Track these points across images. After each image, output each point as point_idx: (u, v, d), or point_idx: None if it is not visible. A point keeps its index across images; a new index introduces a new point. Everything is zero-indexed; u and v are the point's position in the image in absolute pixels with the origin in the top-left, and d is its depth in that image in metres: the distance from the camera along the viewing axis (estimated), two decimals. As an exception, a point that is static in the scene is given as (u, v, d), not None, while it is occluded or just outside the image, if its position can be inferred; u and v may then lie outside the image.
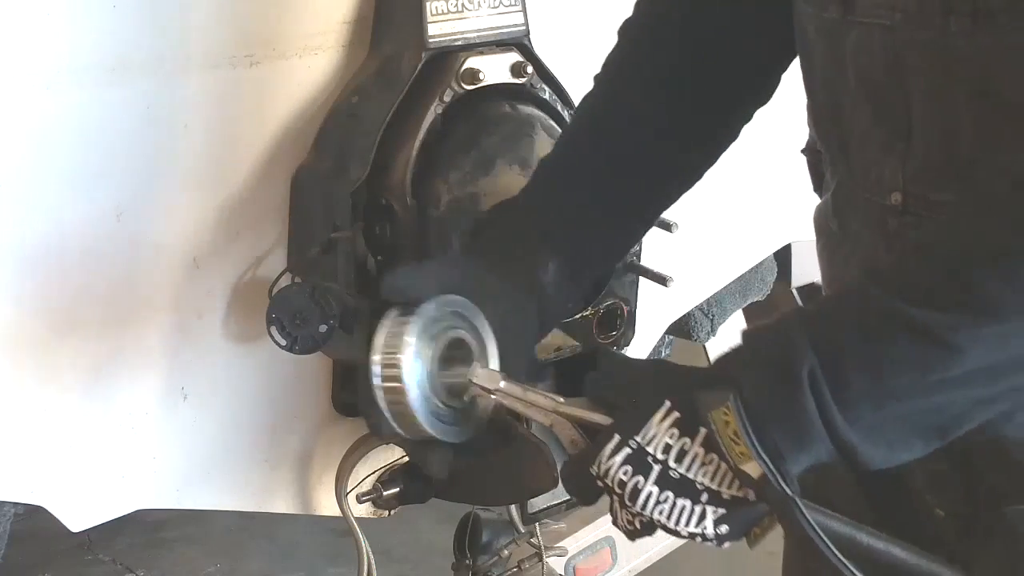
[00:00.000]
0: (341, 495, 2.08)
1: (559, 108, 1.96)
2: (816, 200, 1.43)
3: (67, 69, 1.63)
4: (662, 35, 1.40)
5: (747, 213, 2.65)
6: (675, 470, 1.05)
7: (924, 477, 1.20)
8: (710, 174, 1.46)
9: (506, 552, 2.24)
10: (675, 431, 1.05)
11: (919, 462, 1.09)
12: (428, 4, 1.84)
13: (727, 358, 1.09)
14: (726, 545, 1.08)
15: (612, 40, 1.45)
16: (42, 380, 1.72)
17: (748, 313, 3.06)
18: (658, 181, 1.41)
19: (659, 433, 1.05)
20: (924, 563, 1.07)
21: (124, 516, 1.88)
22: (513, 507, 2.18)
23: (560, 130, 1.94)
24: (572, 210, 1.36)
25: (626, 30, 1.43)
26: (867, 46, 1.17)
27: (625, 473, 1.06)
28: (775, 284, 3.07)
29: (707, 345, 2.94)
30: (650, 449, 1.06)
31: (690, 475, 1.05)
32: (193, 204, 1.82)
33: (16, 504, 1.91)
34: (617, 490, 1.07)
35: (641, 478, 1.06)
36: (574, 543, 2.53)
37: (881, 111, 1.18)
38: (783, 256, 3.05)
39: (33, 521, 2.15)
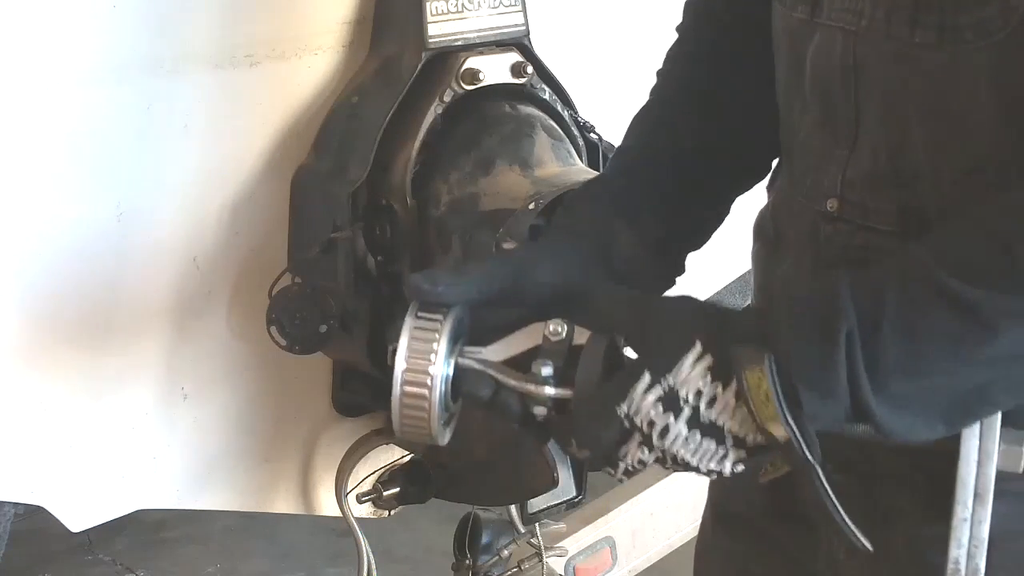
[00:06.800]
0: (341, 495, 2.07)
1: (559, 108, 1.96)
2: None
3: (67, 69, 1.63)
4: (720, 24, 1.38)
5: (747, 213, 2.64)
6: (705, 415, 1.05)
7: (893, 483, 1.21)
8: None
9: (506, 552, 2.24)
10: (708, 376, 1.05)
11: (892, 468, 1.13)
12: (428, 4, 1.84)
13: (766, 310, 1.08)
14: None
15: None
16: (42, 380, 1.72)
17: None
18: (733, 159, 1.40)
19: (691, 377, 1.05)
20: None
21: (124, 516, 1.88)
22: (513, 507, 2.18)
23: (560, 130, 1.94)
24: (648, 185, 1.34)
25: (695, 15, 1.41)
26: (827, 50, 1.17)
27: (656, 413, 1.06)
28: (775, 284, 3.07)
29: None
30: (682, 392, 1.05)
31: (719, 422, 1.05)
32: (193, 204, 1.82)
33: (16, 504, 1.91)
34: (645, 429, 1.06)
35: (672, 418, 1.05)
36: (574, 543, 2.53)
37: (829, 116, 1.19)
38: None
39: (33, 521, 2.15)
